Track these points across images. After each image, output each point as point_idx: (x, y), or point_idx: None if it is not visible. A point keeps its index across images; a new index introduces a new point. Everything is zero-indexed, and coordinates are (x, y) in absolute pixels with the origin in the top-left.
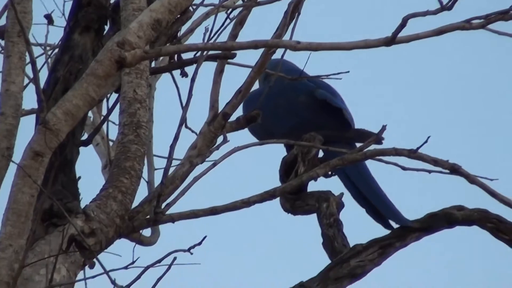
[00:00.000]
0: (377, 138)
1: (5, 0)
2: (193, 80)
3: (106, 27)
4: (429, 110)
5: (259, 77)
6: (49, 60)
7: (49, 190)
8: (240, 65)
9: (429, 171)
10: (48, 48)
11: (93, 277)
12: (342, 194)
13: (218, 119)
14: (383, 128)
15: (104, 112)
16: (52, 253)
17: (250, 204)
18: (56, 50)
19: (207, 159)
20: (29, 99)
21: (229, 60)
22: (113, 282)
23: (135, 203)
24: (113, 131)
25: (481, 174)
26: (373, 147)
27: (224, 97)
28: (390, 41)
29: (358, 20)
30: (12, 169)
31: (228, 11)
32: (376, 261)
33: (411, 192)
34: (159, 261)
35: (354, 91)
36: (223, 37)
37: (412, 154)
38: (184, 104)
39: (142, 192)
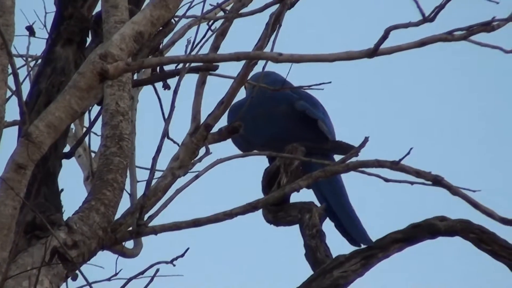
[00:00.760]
0: (358, 150)
1: None
2: (175, 92)
3: (88, 39)
4: (411, 121)
5: (246, 88)
6: (31, 71)
7: (31, 203)
8: (222, 76)
9: (412, 183)
10: (30, 59)
11: None
12: (324, 205)
13: (200, 131)
14: (366, 140)
15: (87, 124)
16: (35, 265)
17: (233, 216)
18: (39, 61)
19: (189, 171)
20: (12, 111)
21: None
22: None
23: (117, 215)
24: (95, 142)
25: (464, 186)
26: (354, 158)
27: (207, 109)
28: (372, 52)
29: (340, 31)
30: None
31: (210, 23)
32: (359, 272)
33: (394, 203)
34: (142, 272)
35: (337, 102)
36: (205, 49)
37: (395, 165)
38: (166, 116)
39: (124, 204)
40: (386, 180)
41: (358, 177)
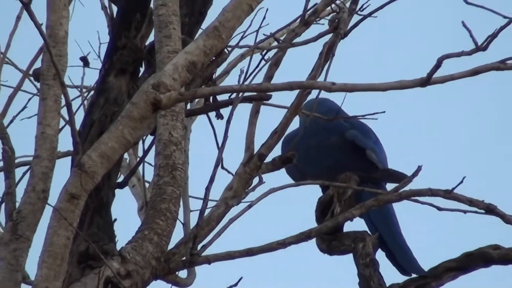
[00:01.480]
0: (411, 179)
1: (41, 43)
2: (228, 121)
3: (141, 69)
4: (464, 150)
5: (299, 116)
6: (85, 102)
7: (84, 233)
8: (275, 105)
9: (465, 211)
10: (84, 90)
11: None
12: (377, 234)
13: (253, 160)
14: (419, 168)
15: (140, 153)
16: None
17: (286, 245)
18: (92, 92)
19: (242, 200)
20: (65, 142)
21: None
22: None
23: (171, 245)
24: (149, 172)
25: None
26: (407, 187)
27: (260, 138)
28: (425, 81)
29: (392, 60)
30: (48, 212)
31: (263, 53)
32: None
33: (447, 232)
34: None
35: (389, 131)
36: (259, 78)
37: (448, 194)
38: (220, 145)
39: (178, 234)
40: (439, 209)
41: (410, 205)
